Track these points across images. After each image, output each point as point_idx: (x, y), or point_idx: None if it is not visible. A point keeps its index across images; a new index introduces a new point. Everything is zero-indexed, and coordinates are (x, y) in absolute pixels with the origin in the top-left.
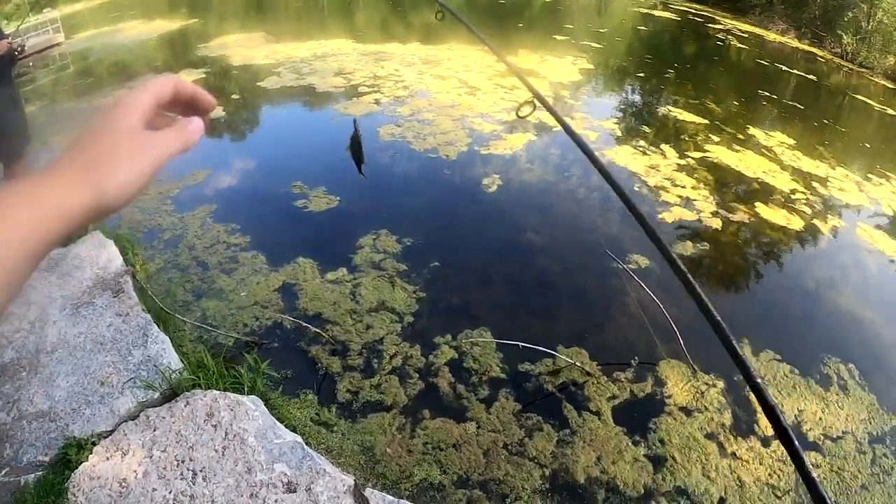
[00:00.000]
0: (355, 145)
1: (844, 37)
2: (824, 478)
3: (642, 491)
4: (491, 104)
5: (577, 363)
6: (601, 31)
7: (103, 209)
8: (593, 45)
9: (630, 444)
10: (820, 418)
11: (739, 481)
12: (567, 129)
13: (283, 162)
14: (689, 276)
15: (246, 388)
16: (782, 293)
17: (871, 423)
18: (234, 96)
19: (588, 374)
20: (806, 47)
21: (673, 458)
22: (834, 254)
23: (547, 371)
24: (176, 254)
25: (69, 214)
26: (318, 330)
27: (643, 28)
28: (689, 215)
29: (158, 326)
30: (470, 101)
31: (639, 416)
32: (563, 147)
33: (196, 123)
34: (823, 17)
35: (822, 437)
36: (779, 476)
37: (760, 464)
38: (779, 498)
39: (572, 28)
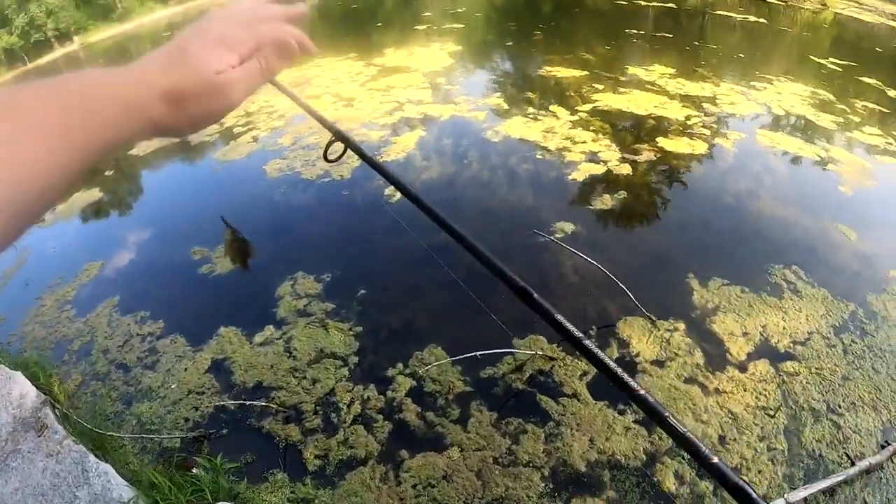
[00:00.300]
0: (235, 244)
1: None
2: (808, 382)
3: (644, 457)
4: (371, 111)
5: (538, 352)
6: (458, 10)
7: (169, 131)
8: (455, 26)
9: (616, 415)
10: (783, 328)
11: (731, 414)
12: (373, 165)
13: (174, 228)
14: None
15: (209, 494)
16: (709, 217)
17: (830, 315)
18: (107, 173)
19: (552, 358)
20: None
21: None
22: (743, 165)
23: (510, 370)
24: (91, 363)
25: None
26: (264, 402)
27: None
28: (597, 168)
29: (96, 455)
30: (349, 113)
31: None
32: (453, 133)
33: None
34: None
35: (791, 345)
36: (765, 396)
37: (745, 390)
38: (771, 417)
39: (430, 15)
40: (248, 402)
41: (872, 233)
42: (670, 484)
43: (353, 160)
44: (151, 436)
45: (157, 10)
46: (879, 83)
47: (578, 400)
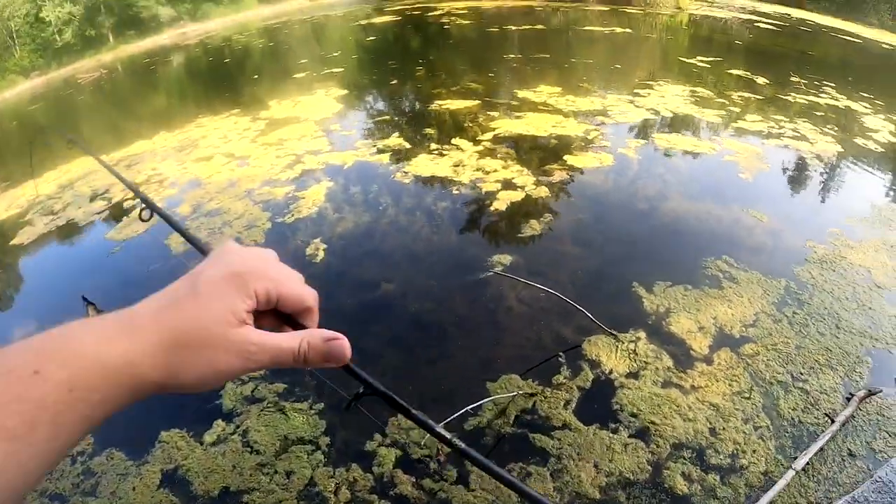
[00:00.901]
0: None
1: None
2: (768, 359)
3: (649, 468)
4: (269, 167)
5: (517, 391)
6: (334, 55)
7: (171, 390)
8: (334, 71)
9: (611, 435)
10: (732, 315)
11: (713, 406)
12: (178, 229)
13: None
14: None
15: None
16: (631, 226)
17: (768, 294)
18: None
19: (531, 394)
20: (520, 2)
21: (652, 423)
22: (649, 170)
23: (495, 416)
24: None
25: (137, 387)
26: None
27: (371, 38)
28: (516, 195)
29: None
30: (246, 171)
31: (599, 405)
32: (361, 180)
33: (342, 342)
34: None
35: (743, 329)
36: (737, 381)
37: (717, 381)
38: (747, 398)
39: (306, 62)
40: None
41: (779, 210)
42: (681, 486)
43: (263, 222)
44: None
45: (19, 82)
46: (747, 73)
47: (570, 429)
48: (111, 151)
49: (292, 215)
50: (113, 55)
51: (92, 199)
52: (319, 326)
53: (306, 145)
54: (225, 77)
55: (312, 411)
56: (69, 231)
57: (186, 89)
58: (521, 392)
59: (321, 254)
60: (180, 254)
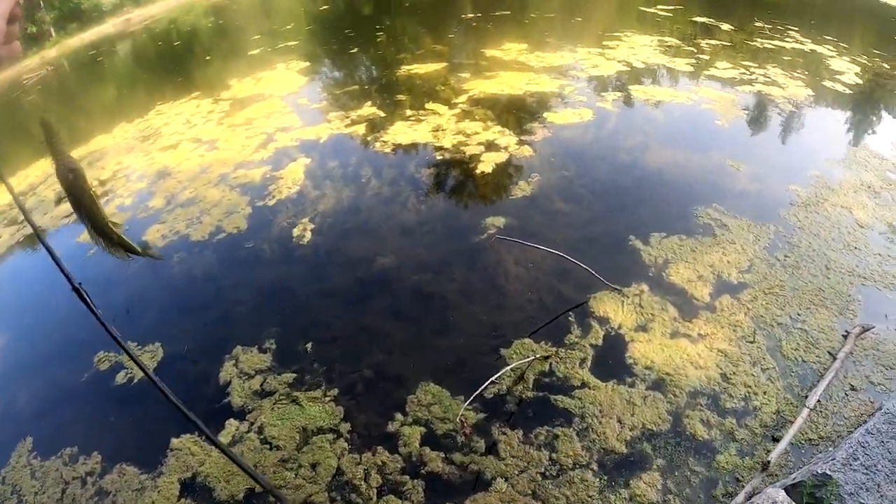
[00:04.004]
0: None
1: None
2: (767, 303)
3: (670, 418)
4: (241, 149)
5: (532, 355)
6: (287, 27)
7: None
8: (290, 44)
9: (629, 389)
10: (727, 261)
11: (720, 351)
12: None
13: (62, 336)
14: None
15: None
16: (618, 179)
17: (759, 240)
18: None
19: (546, 357)
20: None
21: (666, 374)
22: (629, 122)
23: (514, 382)
24: None
25: None
26: None
27: (323, 7)
28: (500, 157)
29: None
30: (217, 156)
31: (613, 361)
32: (338, 154)
33: None
34: None
35: (739, 275)
36: (740, 327)
37: (722, 327)
38: (751, 343)
39: (259, 38)
40: None
41: (760, 156)
42: (702, 431)
43: (243, 207)
44: None
45: None
46: (710, 20)
47: (590, 388)
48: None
49: (272, 197)
50: (57, 50)
51: (58, 202)
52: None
53: (276, 122)
54: (177, 61)
55: (327, 398)
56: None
57: (138, 78)
58: (536, 356)
59: (308, 234)
60: (158, 249)
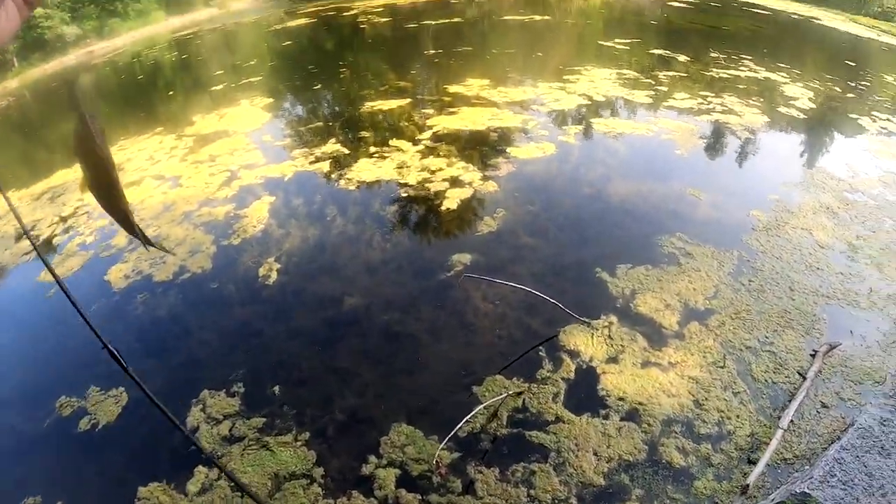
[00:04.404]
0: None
1: None
2: (734, 327)
3: (645, 447)
4: (205, 186)
5: (505, 392)
6: (251, 63)
7: None
8: (253, 79)
9: (604, 421)
10: (693, 289)
11: (692, 378)
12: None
13: (21, 381)
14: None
15: None
16: (582, 212)
17: (723, 266)
18: None
19: (519, 393)
20: None
21: (639, 404)
22: (592, 154)
23: (488, 420)
24: None
25: None
26: None
27: (287, 43)
28: (465, 192)
29: None
30: (181, 193)
31: (586, 394)
32: (303, 191)
33: None
34: None
35: (705, 302)
36: (710, 353)
37: (691, 353)
38: (721, 368)
39: (222, 73)
40: None
41: (720, 183)
42: (678, 459)
43: (207, 246)
44: None
45: None
46: (668, 52)
47: (564, 422)
48: (31, 185)
49: (237, 236)
50: (19, 81)
51: (18, 238)
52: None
53: (240, 159)
54: (140, 95)
55: (299, 442)
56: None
57: (101, 112)
58: (509, 393)
59: (274, 274)
60: (121, 290)
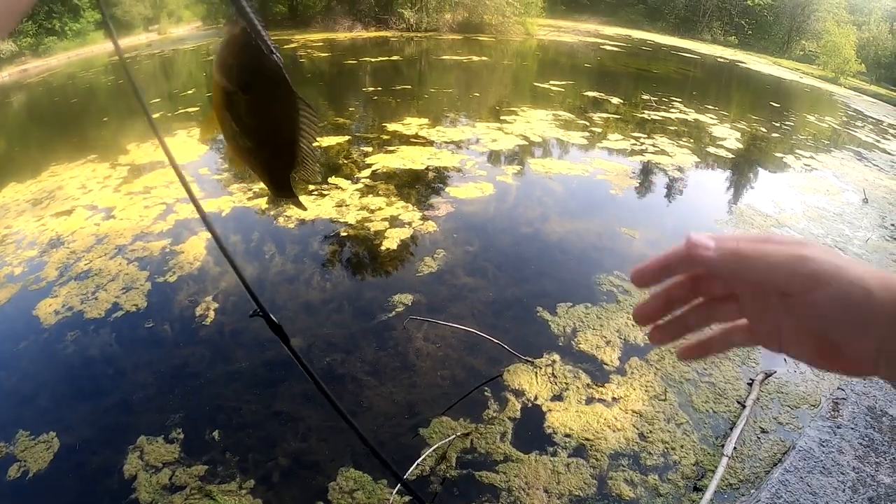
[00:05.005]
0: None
1: (405, 12)
2: (673, 361)
3: (595, 482)
4: (139, 219)
5: (452, 433)
6: (188, 92)
7: None
8: (190, 109)
9: (552, 458)
10: (633, 325)
11: (635, 412)
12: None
13: None
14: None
15: None
16: (522, 251)
17: None
18: None
19: (466, 434)
20: (375, 34)
21: (586, 439)
22: (529, 194)
23: (436, 462)
24: None
25: None
26: None
27: None
28: (404, 233)
29: None
30: (114, 225)
31: (533, 432)
32: (241, 228)
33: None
34: (379, 3)
35: (644, 338)
36: (652, 386)
37: (633, 388)
38: (663, 400)
39: (159, 101)
40: None
41: (654, 221)
42: (628, 491)
43: (142, 283)
44: None
45: None
46: (601, 94)
47: (513, 461)
48: None
49: (173, 273)
50: None
51: None
52: None
53: (176, 192)
54: (73, 119)
55: (243, 490)
56: None
57: (31, 134)
58: (457, 434)
59: (212, 313)
60: (50, 326)
